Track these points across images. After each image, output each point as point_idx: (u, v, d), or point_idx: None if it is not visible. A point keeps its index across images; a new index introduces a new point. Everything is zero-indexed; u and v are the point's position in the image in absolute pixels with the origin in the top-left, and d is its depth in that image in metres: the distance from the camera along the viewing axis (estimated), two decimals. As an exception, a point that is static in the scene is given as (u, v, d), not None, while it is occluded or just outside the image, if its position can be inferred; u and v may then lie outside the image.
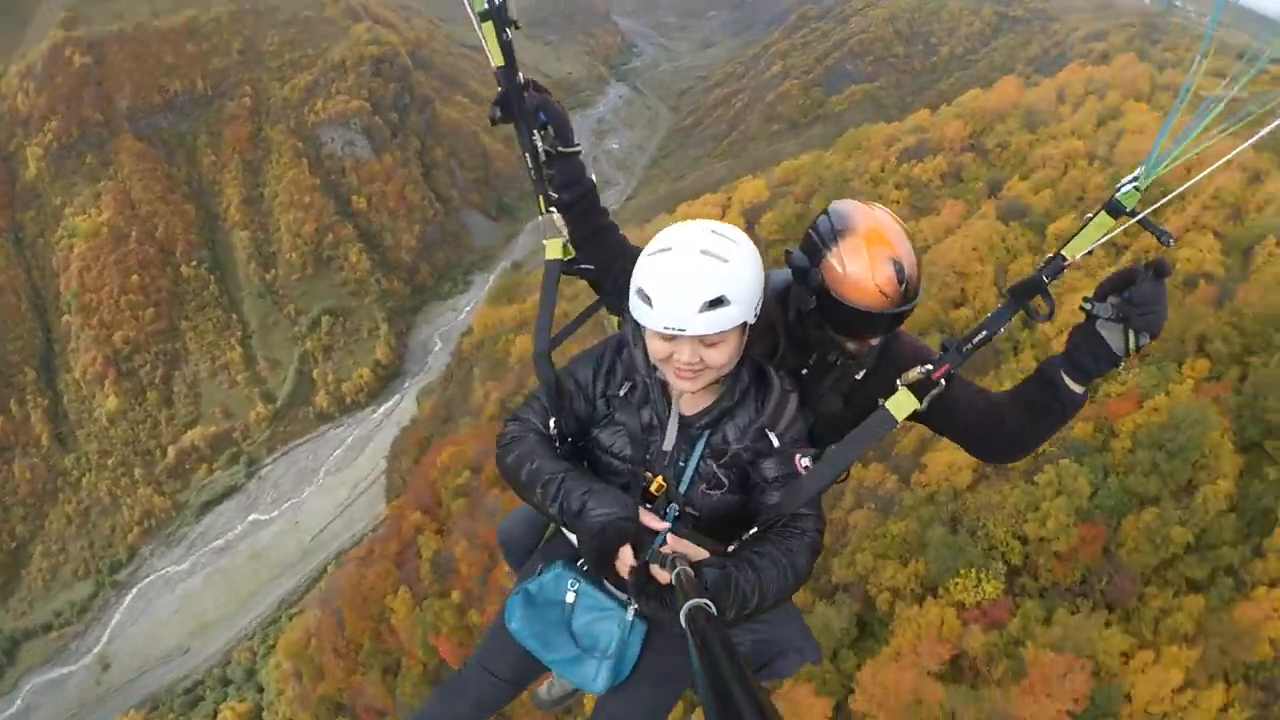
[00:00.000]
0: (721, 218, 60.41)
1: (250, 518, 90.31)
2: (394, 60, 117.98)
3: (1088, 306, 2.33)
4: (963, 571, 27.61)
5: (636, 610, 2.75)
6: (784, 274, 2.93)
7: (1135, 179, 2.22)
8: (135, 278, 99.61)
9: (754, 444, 2.60)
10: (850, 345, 2.84)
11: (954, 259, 37.50)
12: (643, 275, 2.37)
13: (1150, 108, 45.31)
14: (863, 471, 32.86)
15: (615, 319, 3.17)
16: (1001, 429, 2.71)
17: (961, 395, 2.74)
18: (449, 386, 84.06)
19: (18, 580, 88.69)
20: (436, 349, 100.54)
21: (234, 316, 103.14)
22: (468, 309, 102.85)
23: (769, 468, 2.58)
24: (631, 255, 2.91)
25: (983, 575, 27.49)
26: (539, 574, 2.82)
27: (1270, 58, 2.01)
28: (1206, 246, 32.64)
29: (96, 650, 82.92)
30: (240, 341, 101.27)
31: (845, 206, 2.74)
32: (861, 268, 2.60)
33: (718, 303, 2.27)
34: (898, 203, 49.92)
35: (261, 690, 71.72)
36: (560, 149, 3.02)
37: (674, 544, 2.37)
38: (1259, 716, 23.42)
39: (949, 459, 29.48)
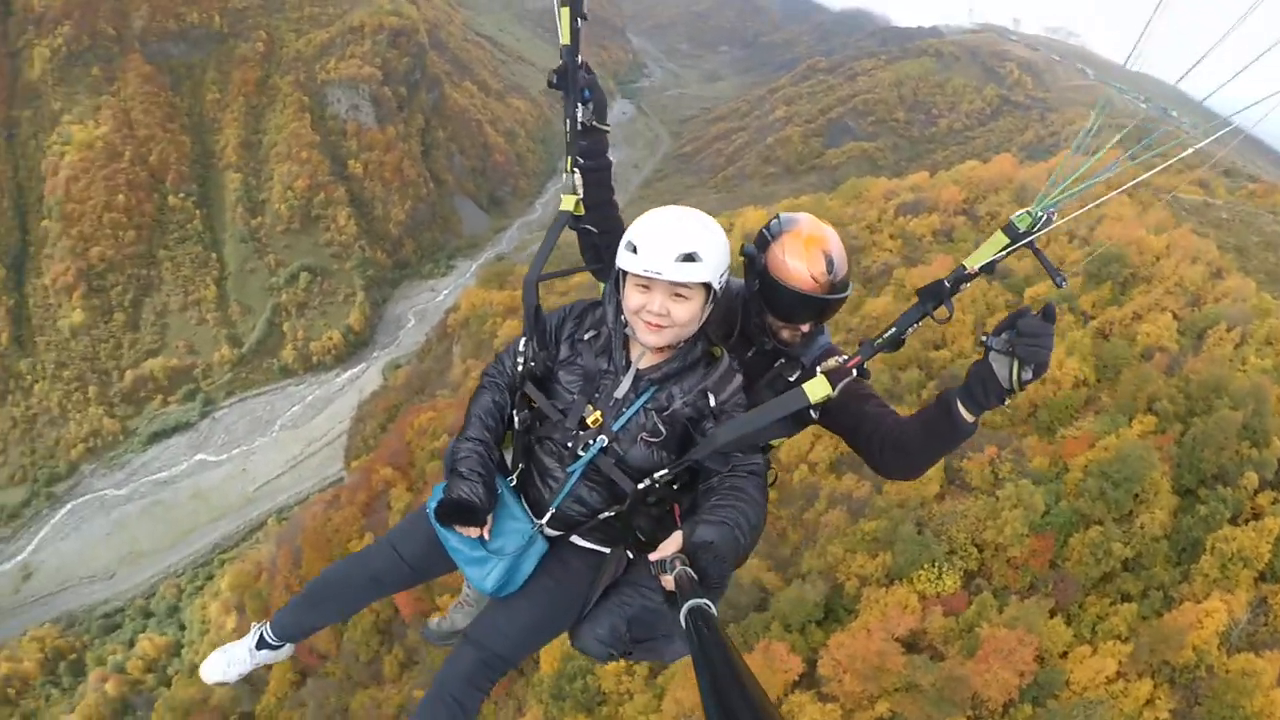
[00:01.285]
0: (722, 240, 63.89)
1: (198, 456, 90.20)
2: (411, 35, 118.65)
3: (985, 339, 2.54)
4: (926, 566, 30.93)
5: (544, 531, 3.20)
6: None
7: (1029, 210, 2.49)
8: (121, 197, 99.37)
9: (695, 402, 2.98)
10: (784, 332, 3.25)
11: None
12: (633, 229, 2.82)
13: (1130, 200, 50.83)
14: (837, 481, 36.75)
15: (602, 285, 3.42)
16: (900, 445, 2.99)
17: (873, 409, 3.12)
18: (425, 360, 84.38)
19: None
20: (409, 325, 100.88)
21: (214, 255, 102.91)
22: (446, 292, 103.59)
23: (707, 428, 2.96)
24: (622, 231, 3.30)
25: (943, 569, 30.89)
26: None
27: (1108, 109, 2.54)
28: (1164, 325, 37.56)
29: (20, 558, 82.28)
30: (216, 281, 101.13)
31: (794, 214, 3.23)
32: (799, 255, 3.04)
33: (691, 257, 2.71)
34: (891, 251, 54.07)
35: (184, 628, 71.36)
36: (594, 123, 3.44)
37: (667, 548, 2.61)
38: (1179, 711, 27.05)
39: (920, 472, 33.45)
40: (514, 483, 3.30)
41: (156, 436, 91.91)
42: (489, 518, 3.10)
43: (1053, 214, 2.44)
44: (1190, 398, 33.55)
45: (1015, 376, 2.46)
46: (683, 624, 1.98)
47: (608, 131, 3.56)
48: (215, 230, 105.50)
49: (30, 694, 69.94)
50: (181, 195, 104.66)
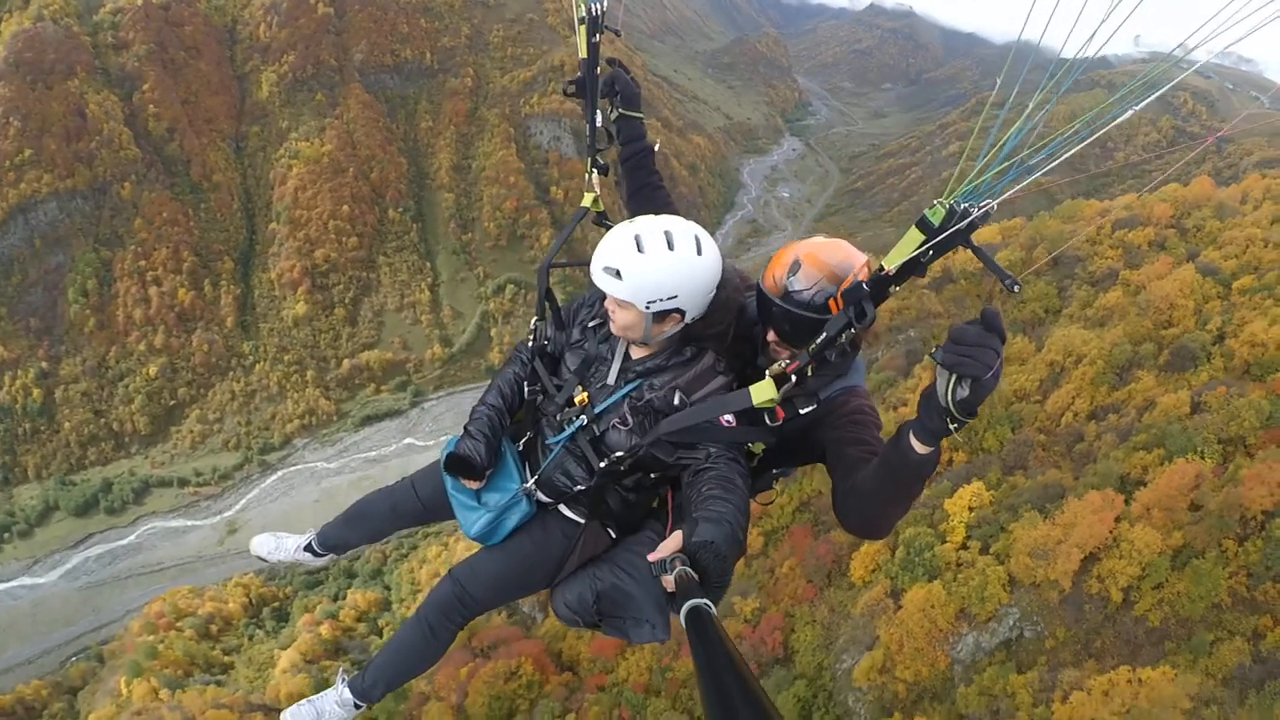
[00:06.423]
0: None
1: (406, 440, 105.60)
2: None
3: (932, 353, 2.43)
4: (1190, 452, 41.91)
5: (534, 495, 3.80)
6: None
7: (941, 200, 2.45)
8: (346, 207, 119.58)
9: (665, 397, 3.41)
10: (770, 335, 3.41)
11: (1167, 292, 54.77)
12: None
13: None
14: (1118, 419, 48.52)
15: None
16: (857, 488, 3.05)
17: (859, 454, 3.19)
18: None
19: (165, 435, 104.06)
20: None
21: (428, 264, 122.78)
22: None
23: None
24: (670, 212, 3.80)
25: (1205, 452, 42.26)
26: None
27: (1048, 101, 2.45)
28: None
29: (228, 514, 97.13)
30: (430, 287, 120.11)
31: (832, 239, 3.35)
32: (776, 258, 3.30)
33: (615, 274, 3.18)
34: (1111, 259, 65.63)
35: (389, 589, 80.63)
36: (624, 111, 4.14)
37: (667, 548, 2.74)
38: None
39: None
40: (520, 448, 3.94)
41: (368, 420, 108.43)
42: (487, 474, 3.79)
43: (989, 207, 2.42)
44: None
45: (949, 393, 2.41)
46: (683, 624, 2.05)
47: (642, 118, 4.28)
48: (429, 242, 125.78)
49: (232, 632, 78.12)
50: (400, 210, 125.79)
